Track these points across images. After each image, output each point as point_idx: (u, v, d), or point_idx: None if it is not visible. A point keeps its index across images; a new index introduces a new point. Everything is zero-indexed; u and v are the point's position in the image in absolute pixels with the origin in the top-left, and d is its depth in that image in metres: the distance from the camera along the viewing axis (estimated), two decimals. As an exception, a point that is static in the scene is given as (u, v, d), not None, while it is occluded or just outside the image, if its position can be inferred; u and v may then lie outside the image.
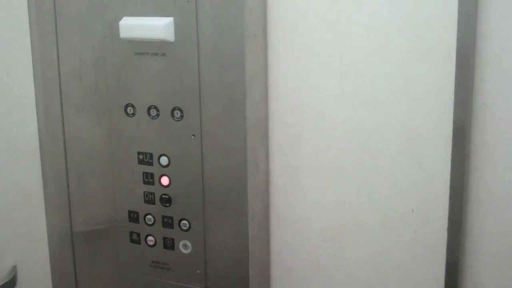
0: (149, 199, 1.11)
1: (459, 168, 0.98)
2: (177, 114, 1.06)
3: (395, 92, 1.02)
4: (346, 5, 1.01)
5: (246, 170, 1.04)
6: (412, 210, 1.05)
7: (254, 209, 1.08)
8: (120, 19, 1.04)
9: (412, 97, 1.02)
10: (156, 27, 1.02)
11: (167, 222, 1.11)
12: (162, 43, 1.04)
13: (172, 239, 1.12)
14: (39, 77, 1.13)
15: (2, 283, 1.15)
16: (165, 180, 1.10)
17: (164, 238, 1.12)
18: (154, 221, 1.12)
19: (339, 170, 1.08)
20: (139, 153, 1.10)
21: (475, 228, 1.01)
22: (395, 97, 1.03)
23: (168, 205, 1.10)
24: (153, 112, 1.08)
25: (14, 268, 1.18)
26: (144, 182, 1.11)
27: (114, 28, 1.05)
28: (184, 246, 1.10)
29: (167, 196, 1.10)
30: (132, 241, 1.14)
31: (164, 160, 1.09)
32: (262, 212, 1.11)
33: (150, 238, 1.13)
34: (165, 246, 1.12)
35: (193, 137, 1.06)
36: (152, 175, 1.10)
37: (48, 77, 1.13)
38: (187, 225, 1.10)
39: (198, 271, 1.09)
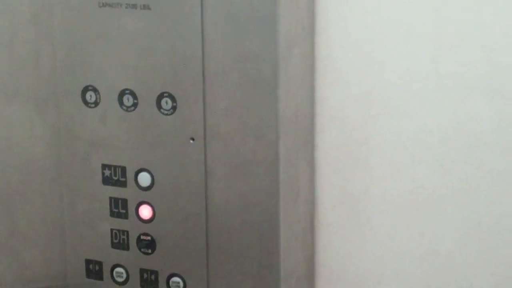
0: (119, 241, 1.08)
1: None
2: (167, 104, 1.03)
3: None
4: None
5: (278, 197, 1.00)
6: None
7: (290, 261, 1.05)
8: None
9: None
10: (135, -39, 1.02)
11: (149, 280, 1.07)
12: (145, -11, 1.04)
13: (157, 309, 1.12)
14: None
15: None
16: (145, 211, 1.06)
17: (144, 307, 1.12)
18: (128, 277, 1.08)
19: (430, 200, 1.05)
20: (104, 166, 1.06)
21: None
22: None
23: (150, 251, 1.06)
24: (128, 100, 1.04)
25: None
26: (112, 214, 1.07)
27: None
28: (176, 321, 1.11)
29: (149, 238, 1.06)
30: (92, 309, 1.11)
31: (144, 179, 1.06)
32: (303, 267, 1.09)
33: (120, 305, 1.07)
34: (146, 320, 1.14)
35: (191, 141, 1.02)
36: (125, 202, 1.07)
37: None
38: (181, 285, 1.06)
39: None
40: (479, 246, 1.04)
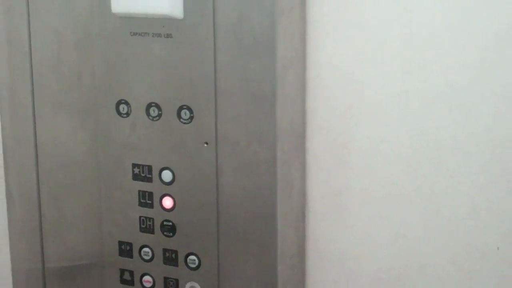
0: (146, 226, 1.11)
1: None
2: (185, 114, 1.06)
3: (479, 89, 1.02)
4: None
5: (276, 190, 1.03)
6: (498, 248, 1.04)
7: (285, 243, 1.07)
8: (112, -12, 1.05)
9: (502, 96, 1.01)
10: (160, -1, 1.03)
11: (170, 258, 1.11)
12: (167, 21, 1.03)
13: (176, 280, 1.11)
14: (3, 64, 1.14)
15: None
16: (168, 202, 1.09)
17: (166, 279, 1.12)
18: (153, 255, 1.12)
19: (399, 194, 1.08)
20: (134, 165, 1.10)
21: None
22: (478, 96, 1.02)
23: (171, 234, 1.10)
24: (154, 111, 1.07)
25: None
26: (140, 204, 1.11)
27: (104, 0, 1.06)
28: (192, 290, 1.12)
29: (170, 223, 1.10)
30: (123, 281, 1.14)
31: (167, 176, 1.09)
32: (296, 248, 1.11)
33: (147, 278, 1.13)
34: (167, 290, 1.13)
35: (205, 145, 1.05)
36: (151, 194, 1.10)
37: (15, 65, 1.13)
38: (196, 262, 1.10)
39: (210, 325, 1.10)
40: (438, 231, 1.06)
